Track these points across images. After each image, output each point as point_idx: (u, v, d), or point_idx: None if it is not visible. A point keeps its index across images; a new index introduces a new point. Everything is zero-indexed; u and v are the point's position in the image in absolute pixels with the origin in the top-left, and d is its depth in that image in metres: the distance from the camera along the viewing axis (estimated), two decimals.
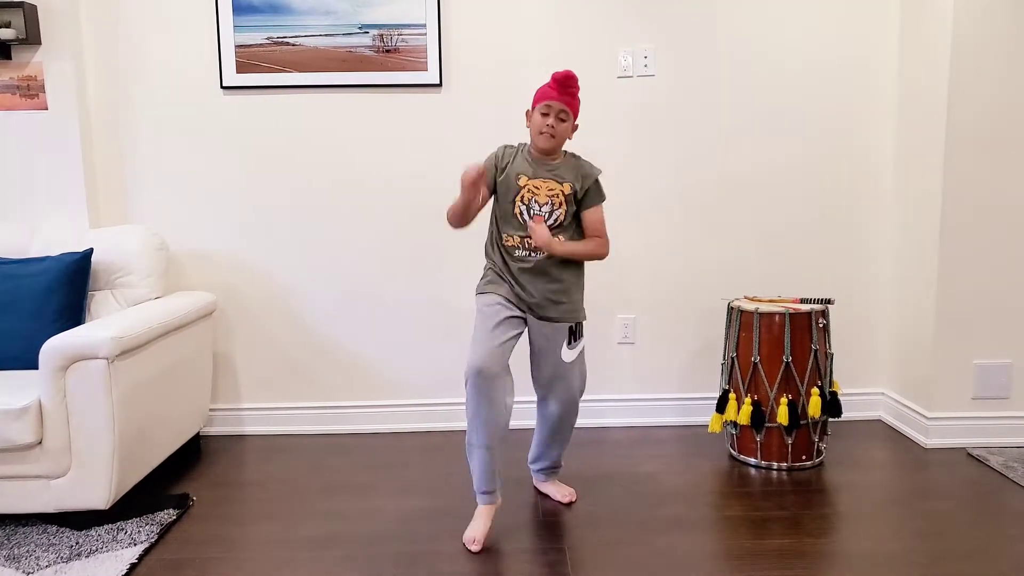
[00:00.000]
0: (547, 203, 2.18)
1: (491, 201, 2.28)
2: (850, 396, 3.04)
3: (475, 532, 2.17)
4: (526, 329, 2.29)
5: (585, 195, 2.23)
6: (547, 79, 2.20)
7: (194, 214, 3.05)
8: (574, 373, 2.33)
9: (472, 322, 2.27)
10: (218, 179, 3.04)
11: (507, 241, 2.24)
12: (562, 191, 2.19)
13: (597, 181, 2.25)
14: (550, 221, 2.19)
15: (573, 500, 2.44)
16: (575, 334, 2.30)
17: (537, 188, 2.18)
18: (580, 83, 2.20)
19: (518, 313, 2.24)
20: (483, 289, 2.29)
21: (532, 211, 2.18)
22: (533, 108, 2.22)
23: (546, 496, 2.49)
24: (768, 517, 2.32)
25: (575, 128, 2.24)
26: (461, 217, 2.21)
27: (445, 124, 3.02)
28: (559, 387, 2.33)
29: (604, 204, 2.27)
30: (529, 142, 2.26)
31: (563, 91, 2.16)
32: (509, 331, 2.19)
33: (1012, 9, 2.69)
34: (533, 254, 2.21)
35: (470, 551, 2.13)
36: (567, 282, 2.26)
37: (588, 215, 2.25)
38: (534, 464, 2.51)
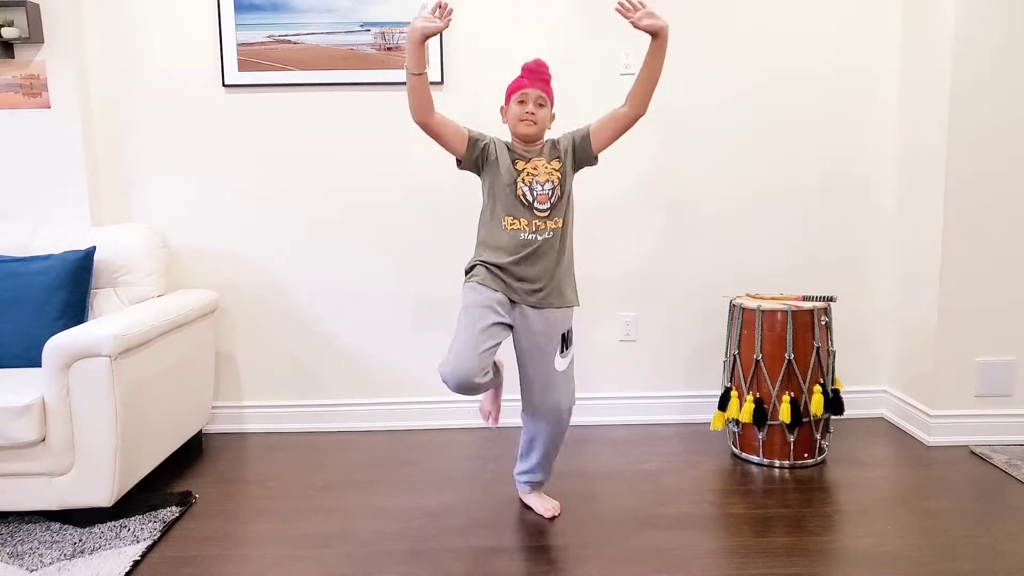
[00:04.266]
0: (547, 181, 2.15)
1: (484, 198, 2.21)
2: (852, 393, 3.03)
3: (487, 404, 2.33)
4: (509, 335, 2.20)
5: (582, 141, 2.19)
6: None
7: (196, 212, 3.05)
8: (564, 386, 2.23)
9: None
10: (220, 177, 3.04)
11: (511, 226, 2.15)
12: (556, 168, 2.16)
13: (573, 131, 2.22)
14: (552, 199, 2.15)
15: (556, 515, 2.31)
16: (567, 341, 2.22)
17: (535, 169, 2.15)
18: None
19: (506, 319, 2.15)
20: (473, 284, 2.18)
21: (536, 192, 2.14)
22: (508, 102, 2.19)
23: (530, 508, 2.36)
24: (770, 515, 2.32)
25: (553, 117, 2.22)
26: (419, 93, 2.06)
27: None
28: (549, 400, 2.22)
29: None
30: (510, 137, 2.22)
31: (535, 79, 2.15)
32: (493, 339, 2.10)
33: (1013, 4, 2.68)
34: (538, 236, 2.15)
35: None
36: (566, 264, 2.22)
37: (601, 123, 2.20)
38: (520, 476, 2.39)
